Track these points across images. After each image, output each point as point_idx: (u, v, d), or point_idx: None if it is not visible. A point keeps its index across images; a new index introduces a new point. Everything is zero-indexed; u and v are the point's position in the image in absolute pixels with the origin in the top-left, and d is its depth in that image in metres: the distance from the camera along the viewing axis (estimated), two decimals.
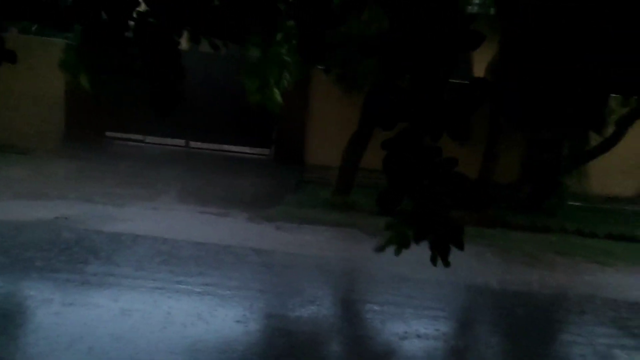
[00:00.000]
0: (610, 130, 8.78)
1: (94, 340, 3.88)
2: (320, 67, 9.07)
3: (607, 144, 8.82)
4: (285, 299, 5.04)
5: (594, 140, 8.85)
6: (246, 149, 11.59)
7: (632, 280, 6.37)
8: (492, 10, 8.24)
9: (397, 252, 2.65)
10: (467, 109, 1.99)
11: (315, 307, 4.93)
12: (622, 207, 9.71)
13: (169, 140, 11.47)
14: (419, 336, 4.55)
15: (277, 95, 8.31)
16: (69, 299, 4.53)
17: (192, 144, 11.54)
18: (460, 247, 2.15)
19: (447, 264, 2.20)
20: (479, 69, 8.25)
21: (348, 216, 7.86)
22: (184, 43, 2.66)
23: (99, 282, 4.91)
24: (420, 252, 6.93)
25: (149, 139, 11.51)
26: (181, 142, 11.53)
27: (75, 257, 5.43)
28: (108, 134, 11.20)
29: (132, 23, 2.35)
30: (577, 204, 9.20)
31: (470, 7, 8.85)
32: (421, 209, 2.19)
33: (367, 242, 6.94)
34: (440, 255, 2.20)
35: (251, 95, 8.33)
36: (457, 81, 2.14)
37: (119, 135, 11.33)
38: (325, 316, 4.85)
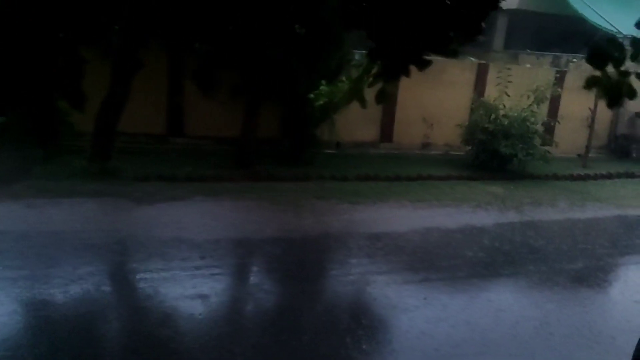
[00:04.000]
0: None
1: None
2: None
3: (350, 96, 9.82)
4: (46, 282, 4.52)
5: (339, 92, 9.76)
6: None
7: (377, 215, 7.37)
8: None
9: None
10: None
11: (82, 286, 4.55)
12: (367, 151, 11.05)
13: None
14: (198, 297, 4.56)
15: None
16: None
17: None
18: None
19: None
20: None
21: (109, 184, 7.33)
22: None
23: None
24: (188, 213, 6.86)
25: None
26: None
27: None
28: None
29: None
30: (330, 151, 10.14)
31: None
32: None
33: (133, 210, 6.61)
34: None
35: None
36: None
37: None
38: (95, 294, 4.51)
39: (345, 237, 6.44)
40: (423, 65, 3.51)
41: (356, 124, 10.85)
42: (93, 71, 9.19)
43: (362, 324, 4.44)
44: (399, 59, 3.43)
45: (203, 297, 4.60)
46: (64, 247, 5.32)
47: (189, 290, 4.68)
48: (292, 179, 8.58)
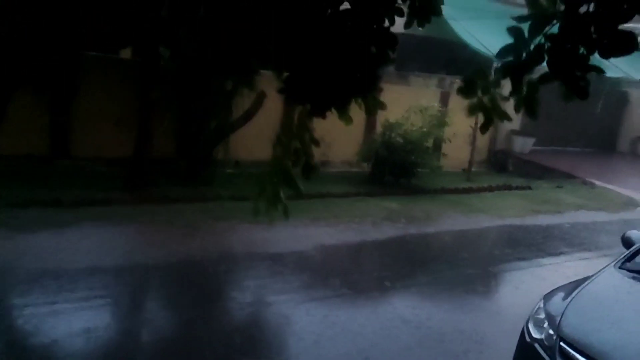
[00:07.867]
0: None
1: None
2: None
3: (248, 115, 9.79)
4: None
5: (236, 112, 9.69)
6: None
7: (277, 234, 7.33)
8: None
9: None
10: None
11: None
12: (267, 169, 11.02)
13: None
14: (85, 331, 4.25)
15: None
16: None
17: None
18: None
19: None
20: None
21: None
22: None
23: None
24: (74, 241, 6.40)
25: None
26: None
27: None
28: None
29: None
30: (228, 171, 10.00)
31: None
32: None
33: (10, 240, 6.04)
34: None
35: None
36: None
37: None
38: None
39: (245, 258, 6.35)
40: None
41: (255, 142, 10.80)
42: None
43: (261, 347, 4.38)
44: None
45: (90, 330, 4.29)
46: None
47: (75, 325, 4.35)
48: (190, 199, 8.33)
